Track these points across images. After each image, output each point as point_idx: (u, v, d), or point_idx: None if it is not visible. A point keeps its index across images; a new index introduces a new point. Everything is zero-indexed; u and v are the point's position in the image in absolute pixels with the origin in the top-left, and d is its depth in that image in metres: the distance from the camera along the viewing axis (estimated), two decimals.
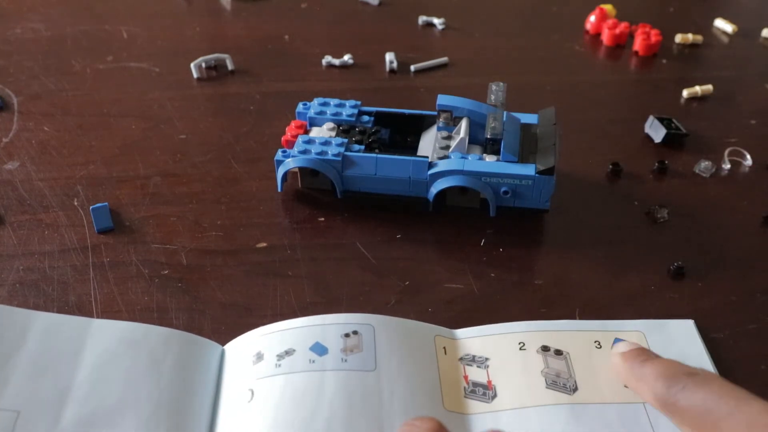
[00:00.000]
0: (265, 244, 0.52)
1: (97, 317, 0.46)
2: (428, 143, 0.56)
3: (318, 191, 0.57)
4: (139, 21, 0.82)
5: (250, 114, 0.67)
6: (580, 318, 0.46)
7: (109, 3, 0.86)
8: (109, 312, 0.46)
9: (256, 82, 0.72)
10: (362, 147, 0.55)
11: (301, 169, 0.55)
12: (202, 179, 0.58)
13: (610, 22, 0.80)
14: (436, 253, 0.52)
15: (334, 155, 0.53)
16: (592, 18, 0.82)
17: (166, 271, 0.49)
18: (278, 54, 0.77)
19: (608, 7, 0.83)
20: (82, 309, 0.46)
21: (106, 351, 0.41)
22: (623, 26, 0.79)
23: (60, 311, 0.46)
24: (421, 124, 0.58)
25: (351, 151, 0.54)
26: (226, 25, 0.83)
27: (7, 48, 0.76)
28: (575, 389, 0.41)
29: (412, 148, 0.57)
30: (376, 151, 0.55)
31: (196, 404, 0.39)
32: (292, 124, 0.58)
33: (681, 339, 0.44)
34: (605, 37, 0.80)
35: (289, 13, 0.85)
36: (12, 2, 0.85)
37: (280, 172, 0.55)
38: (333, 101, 0.60)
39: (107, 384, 0.39)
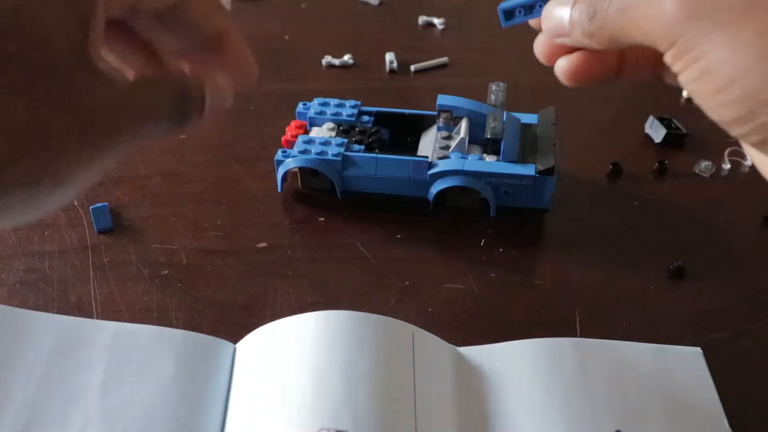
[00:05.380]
0: (265, 244, 0.52)
1: (97, 317, 0.46)
2: (428, 143, 0.56)
3: (318, 191, 0.56)
4: None
5: (250, 114, 0.67)
6: (580, 317, 0.46)
7: None
8: (109, 312, 0.46)
9: (256, 82, 0.71)
10: (362, 147, 0.55)
11: (301, 169, 0.55)
12: (202, 179, 0.58)
13: None
14: (436, 253, 0.52)
15: (334, 155, 0.53)
16: None
17: (166, 271, 0.49)
18: (278, 54, 0.77)
19: None
20: (82, 309, 0.46)
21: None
22: None
23: (60, 311, 0.46)
24: (421, 124, 0.58)
25: (351, 151, 0.54)
26: None
27: None
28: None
29: (412, 148, 0.57)
30: (376, 151, 0.55)
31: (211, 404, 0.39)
32: (292, 124, 0.58)
33: (688, 369, 0.42)
34: None
35: (289, 13, 0.85)
36: None
37: (280, 172, 0.55)
38: (333, 101, 0.60)
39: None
